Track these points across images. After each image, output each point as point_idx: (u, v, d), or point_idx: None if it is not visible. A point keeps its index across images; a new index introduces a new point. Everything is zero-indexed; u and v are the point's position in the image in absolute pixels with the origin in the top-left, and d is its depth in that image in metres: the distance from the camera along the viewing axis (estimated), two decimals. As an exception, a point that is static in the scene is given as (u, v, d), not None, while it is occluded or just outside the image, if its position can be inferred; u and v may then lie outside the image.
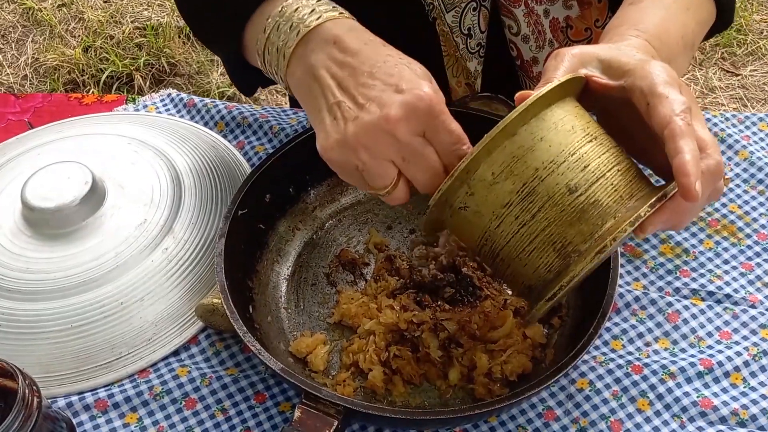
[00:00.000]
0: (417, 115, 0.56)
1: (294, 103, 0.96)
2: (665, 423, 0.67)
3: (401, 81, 0.57)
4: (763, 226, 0.81)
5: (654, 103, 0.53)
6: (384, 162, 0.57)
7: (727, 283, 0.76)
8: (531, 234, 0.53)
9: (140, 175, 0.79)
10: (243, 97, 2.00)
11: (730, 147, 0.87)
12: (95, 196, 0.75)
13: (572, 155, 0.53)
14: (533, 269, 0.55)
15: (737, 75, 2.03)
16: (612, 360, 0.70)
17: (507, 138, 0.53)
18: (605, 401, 0.68)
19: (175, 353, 0.72)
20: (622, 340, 0.72)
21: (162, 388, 0.70)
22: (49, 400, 0.67)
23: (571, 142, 0.54)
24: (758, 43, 2.09)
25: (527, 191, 0.53)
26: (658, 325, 0.73)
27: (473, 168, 0.54)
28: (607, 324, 0.73)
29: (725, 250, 0.79)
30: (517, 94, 0.56)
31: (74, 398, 0.69)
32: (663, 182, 0.57)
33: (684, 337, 0.72)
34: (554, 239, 0.53)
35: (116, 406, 0.69)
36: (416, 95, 0.56)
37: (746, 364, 0.70)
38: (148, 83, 2.04)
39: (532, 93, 0.54)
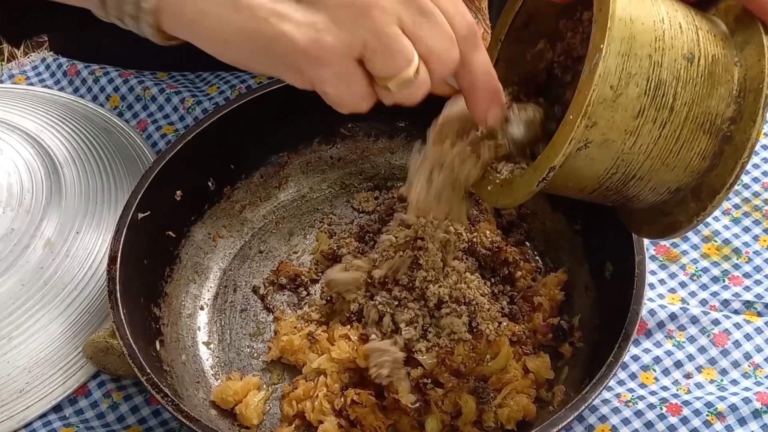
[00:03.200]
0: None
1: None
2: (713, 479, 0.68)
3: None
4: (834, 216, 0.82)
5: None
6: (394, 27, 0.57)
7: (790, 292, 0.77)
8: (675, 129, 0.58)
9: (3, 169, 0.78)
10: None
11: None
12: (-58, 198, 0.74)
13: (663, 21, 0.57)
14: (684, 167, 0.60)
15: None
16: (641, 398, 0.71)
17: (611, 40, 0.56)
18: (634, 453, 0.69)
19: (57, 408, 0.72)
20: (655, 371, 0.73)
21: (39, 457, 0.69)
22: None
23: (649, 7, 0.58)
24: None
25: (654, 85, 0.56)
26: (702, 349, 0.74)
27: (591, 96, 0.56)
28: (634, 351, 0.74)
29: (787, 248, 0.80)
30: None
31: None
32: None
33: (735, 364, 0.73)
34: (701, 120, 0.58)
35: (-23, 482, 0.68)
36: None
37: (817, 397, 0.71)
38: (22, 48, 2.02)
39: None
